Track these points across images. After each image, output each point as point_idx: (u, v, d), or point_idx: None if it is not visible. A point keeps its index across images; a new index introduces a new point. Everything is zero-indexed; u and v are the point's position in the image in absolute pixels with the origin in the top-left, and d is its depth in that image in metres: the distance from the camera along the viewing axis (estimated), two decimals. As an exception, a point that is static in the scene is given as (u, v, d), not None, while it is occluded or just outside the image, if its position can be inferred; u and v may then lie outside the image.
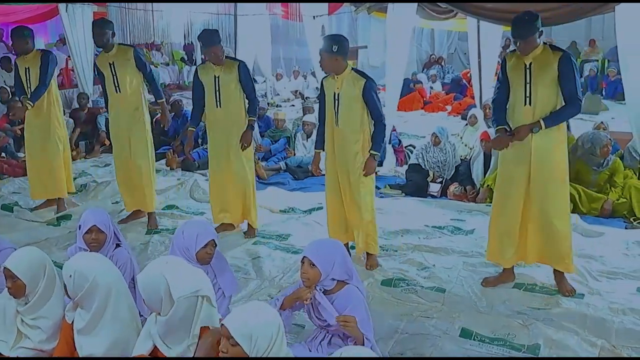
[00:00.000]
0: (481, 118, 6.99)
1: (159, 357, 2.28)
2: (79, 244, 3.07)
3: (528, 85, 3.45)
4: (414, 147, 7.26)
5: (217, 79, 4.53)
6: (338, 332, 2.72)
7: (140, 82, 4.88)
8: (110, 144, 5.70)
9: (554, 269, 3.71)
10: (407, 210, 5.47)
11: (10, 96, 8.37)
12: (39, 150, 5.34)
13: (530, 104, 3.46)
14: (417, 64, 16.65)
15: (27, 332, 2.60)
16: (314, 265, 2.61)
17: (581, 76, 13.48)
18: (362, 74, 3.92)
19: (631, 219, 5.03)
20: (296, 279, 3.26)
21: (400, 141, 7.53)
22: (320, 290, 2.65)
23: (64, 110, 8.18)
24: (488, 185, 5.49)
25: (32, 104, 5.05)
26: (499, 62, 7.20)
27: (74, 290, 2.41)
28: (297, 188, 6.38)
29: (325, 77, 4.04)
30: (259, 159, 6.93)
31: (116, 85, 4.81)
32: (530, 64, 3.45)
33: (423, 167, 6.19)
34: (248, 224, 4.86)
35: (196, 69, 4.79)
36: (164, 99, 5.08)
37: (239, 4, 9.58)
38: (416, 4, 6.44)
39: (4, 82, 9.56)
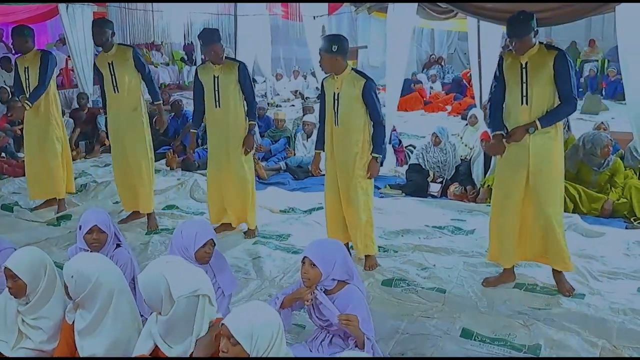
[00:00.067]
0: (481, 118, 6.99)
1: (160, 356, 2.28)
2: (80, 245, 3.07)
3: (524, 85, 3.46)
4: (414, 147, 7.26)
5: (216, 79, 4.53)
6: (339, 332, 2.72)
7: (139, 82, 4.87)
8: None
9: (553, 269, 3.71)
10: (408, 210, 5.47)
11: (10, 96, 8.37)
12: (37, 151, 5.34)
13: (527, 103, 3.47)
14: (417, 64, 16.66)
15: (28, 332, 2.60)
16: (314, 265, 2.61)
17: (581, 76, 13.50)
18: (362, 74, 3.92)
19: (631, 219, 5.02)
20: (297, 279, 3.25)
21: (400, 141, 7.54)
22: (322, 290, 2.65)
23: (64, 111, 8.22)
24: (488, 185, 5.49)
25: (30, 105, 5.04)
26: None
27: (75, 291, 2.41)
28: (297, 188, 6.38)
29: (326, 77, 4.04)
30: (259, 159, 6.93)
31: (114, 85, 4.80)
32: (526, 63, 3.46)
33: (423, 167, 6.19)
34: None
35: (196, 69, 4.79)
36: (160, 101, 5.05)
37: (239, 4, 9.58)
38: (416, 4, 6.43)
39: (4, 82, 9.56)
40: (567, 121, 5.73)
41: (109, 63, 4.78)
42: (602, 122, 6.30)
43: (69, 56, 9.75)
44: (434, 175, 6.09)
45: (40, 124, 5.27)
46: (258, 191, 5.61)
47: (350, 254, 3.82)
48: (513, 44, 3.44)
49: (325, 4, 9.80)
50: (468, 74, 11.96)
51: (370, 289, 3.78)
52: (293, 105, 12.27)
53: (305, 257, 2.65)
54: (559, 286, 3.69)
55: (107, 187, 6.10)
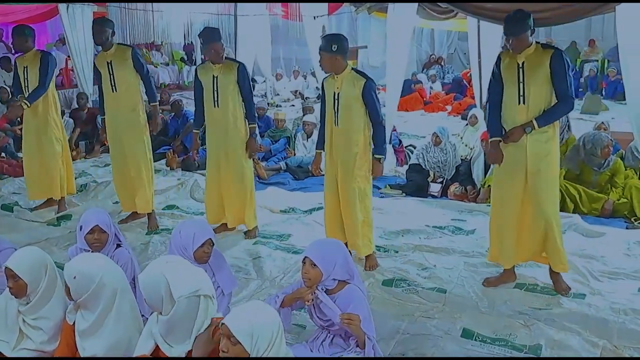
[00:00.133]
0: (481, 118, 6.99)
1: (161, 356, 2.28)
2: (80, 245, 3.06)
3: (521, 84, 3.46)
4: (414, 147, 7.26)
5: (215, 79, 4.52)
6: (340, 332, 2.71)
7: (137, 82, 4.86)
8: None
9: (550, 268, 3.71)
10: (408, 210, 5.47)
11: (10, 96, 8.37)
12: (35, 151, 5.33)
13: (524, 102, 3.47)
14: (417, 64, 16.67)
15: (28, 332, 2.60)
16: (315, 265, 2.61)
17: (581, 76, 13.50)
18: (362, 74, 3.92)
19: (632, 219, 5.02)
20: (297, 279, 3.25)
21: (400, 141, 7.54)
22: (323, 290, 2.65)
23: (63, 111, 8.22)
24: (489, 185, 5.48)
25: (28, 104, 5.04)
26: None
27: (78, 292, 2.40)
28: (297, 188, 6.37)
29: (326, 77, 4.03)
30: (259, 159, 6.93)
31: (113, 84, 4.80)
32: (523, 63, 3.46)
33: (423, 167, 6.19)
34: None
35: (196, 69, 4.78)
36: (157, 103, 5.02)
37: (239, 4, 9.57)
38: (416, 4, 6.43)
39: (4, 82, 9.56)
40: (568, 121, 5.73)
41: (107, 62, 4.78)
42: (602, 122, 6.29)
43: (69, 56, 9.75)
44: (434, 175, 6.09)
45: (39, 124, 5.27)
46: (258, 191, 5.60)
47: (351, 254, 3.83)
48: (510, 42, 3.45)
49: (325, 4, 9.80)
50: (468, 74, 11.95)
51: (371, 289, 3.77)
52: (293, 105, 12.27)
53: (305, 257, 2.65)
54: (556, 285, 3.70)
55: (107, 187, 6.09)
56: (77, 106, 8.77)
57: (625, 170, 5.39)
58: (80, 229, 3.05)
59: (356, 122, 3.90)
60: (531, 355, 3.05)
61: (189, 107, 8.30)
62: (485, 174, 5.78)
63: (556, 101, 3.47)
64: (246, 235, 4.82)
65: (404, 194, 6.01)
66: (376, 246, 4.31)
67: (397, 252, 4.44)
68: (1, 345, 2.60)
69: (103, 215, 3.11)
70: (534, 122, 3.44)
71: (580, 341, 3.12)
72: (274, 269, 4.17)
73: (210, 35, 4.50)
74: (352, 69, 3.94)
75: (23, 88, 5.16)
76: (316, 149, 4.27)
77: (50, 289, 2.62)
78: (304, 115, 8.00)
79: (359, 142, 3.92)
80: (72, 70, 10.02)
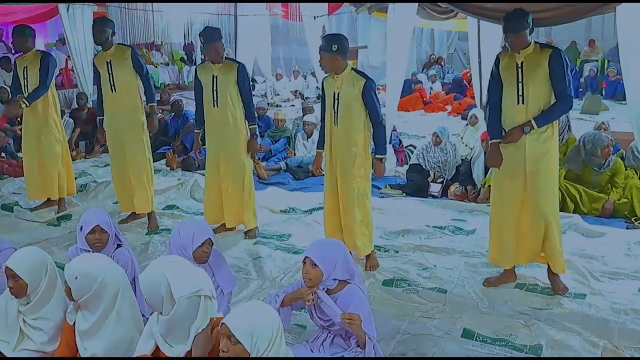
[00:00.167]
0: (482, 118, 6.99)
1: (161, 357, 2.28)
2: (80, 245, 3.06)
3: (520, 84, 3.46)
4: (415, 147, 7.26)
5: (215, 78, 4.52)
6: (340, 332, 2.71)
7: (137, 83, 4.85)
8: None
9: (548, 268, 3.71)
10: (408, 210, 5.46)
11: (10, 96, 8.36)
12: (34, 151, 5.33)
13: (523, 102, 3.47)
14: (417, 64, 16.66)
15: (29, 332, 2.60)
16: (315, 265, 2.61)
17: (581, 76, 13.49)
18: (362, 74, 3.92)
19: (632, 219, 5.02)
20: (297, 279, 3.25)
21: (400, 141, 7.53)
22: (324, 289, 2.65)
23: (64, 111, 8.22)
24: (489, 186, 5.48)
25: (27, 104, 5.04)
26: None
27: (79, 292, 2.40)
28: (297, 188, 6.37)
29: (326, 76, 4.03)
30: (259, 159, 6.92)
31: (112, 84, 4.79)
32: (522, 62, 3.46)
33: (424, 167, 6.18)
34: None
35: (196, 69, 4.78)
36: (155, 104, 4.99)
37: (239, 4, 9.57)
38: (417, 4, 6.43)
39: (4, 82, 9.56)
40: (568, 121, 5.73)
41: (107, 62, 4.77)
42: (602, 122, 6.29)
43: (69, 56, 9.75)
44: (434, 175, 6.09)
45: (39, 124, 5.26)
46: (258, 191, 5.59)
47: (351, 254, 3.83)
48: (509, 40, 3.45)
49: (325, 4, 9.80)
50: (468, 74, 11.95)
51: (371, 289, 3.77)
52: (293, 105, 12.27)
53: (306, 257, 2.65)
54: (553, 286, 3.70)
55: (107, 187, 6.09)
56: (77, 106, 8.77)
57: (626, 170, 5.39)
58: (81, 229, 3.04)
59: (356, 122, 3.90)
60: (532, 356, 3.05)
61: (189, 107, 8.30)
62: (486, 174, 5.77)
63: (555, 100, 3.47)
64: (246, 235, 4.81)
65: (404, 194, 6.01)
66: (376, 246, 4.31)
67: (397, 252, 4.44)
68: (2, 346, 2.60)
69: (103, 215, 3.11)
70: (533, 122, 3.44)
71: (581, 341, 3.11)
72: (274, 269, 4.17)
73: (211, 34, 4.50)
74: (352, 69, 3.93)
75: (22, 88, 5.16)
76: (317, 148, 4.26)
77: (51, 289, 2.62)
78: (303, 115, 8.00)
79: (358, 142, 3.92)
80: (72, 70, 10.02)
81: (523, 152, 3.51)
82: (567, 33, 13.71)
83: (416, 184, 6.06)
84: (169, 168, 7.20)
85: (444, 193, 5.97)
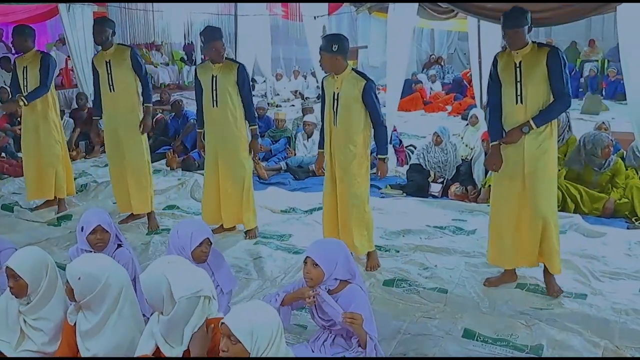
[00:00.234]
0: (482, 118, 6.98)
1: (163, 357, 2.27)
2: (81, 246, 3.05)
3: (518, 84, 3.47)
4: (415, 147, 7.26)
5: (214, 78, 4.51)
6: (341, 332, 2.71)
7: (135, 83, 4.84)
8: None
9: (544, 269, 3.69)
10: (409, 210, 5.46)
11: (10, 96, 8.34)
12: (33, 152, 5.33)
13: (522, 102, 3.47)
14: (417, 64, 16.67)
15: (29, 333, 2.59)
16: (317, 265, 2.61)
17: (581, 76, 13.49)
18: (362, 74, 3.91)
19: (633, 219, 5.02)
20: (298, 279, 3.25)
21: (401, 141, 7.53)
22: (325, 289, 2.64)
23: (63, 111, 8.21)
24: (489, 186, 5.47)
25: (26, 102, 5.04)
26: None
27: (82, 293, 2.39)
28: (297, 188, 6.37)
29: (325, 76, 4.03)
30: (259, 159, 6.92)
31: (111, 84, 4.79)
32: (520, 62, 3.46)
33: (424, 167, 6.18)
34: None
35: (195, 68, 4.78)
36: (151, 105, 4.96)
37: (239, 4, 9.57)
38: (417, 4, 6.43)
39: (4, 82, 9.55)
40: (568, 121, 5.73)
41: (106, 62, 4.77)
42: (602, 122, 6.28)
43: (69, 56, 9.75)
44: (434, 175, 6.09)
45: (38, 125, 5.26)
46: (259, 191, 5.60)
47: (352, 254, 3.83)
48: (507, 37, 3.45)
49: (326, 4, 9.79)
50: (468, 74, 11.95)
51: (372, 289, 3.77)
52: (293, 106, 12.27)
53: (307, 257, 2.65)
54: (548, 287, 3.68)
55: (107, 187, 6.08)
56: (77, 106, 8.77)
57: (626, 170, 5.38)
58: (82, 230, 3.03)
59: (355, 123, 3.90)
60: (532, 356, 3.04)
61: (189, 107, 8.30)
62: (486, 174, 5.77)
63: (553, 99, 3.47)
64: (247, 235, 4.81)
65: (404, 194, 6.01)
66: (377, 246, 4.31)
67: (398, 252, 4.44)
68: (2, 346, 2.60)
69: (104, 215, 3.11)
70: (532, 122, 3.44)
71: (582, 341, 3.11)
72: (275, 269, 4.17)
73: (211, 33, 4.50)
74: (352, 69, 3.93)
75: (22, 88, 5.15)
76: (319, 148, 4.26)
77: (51, 289, 2.62)
78: (303, 116, 8.00)
79: (357, 142, 3.92)
80: (72, 70, 10.02)
81: (522, 152, 3.51)
82: (567, 33, 13.72)
83: (416, 184, 6.06)
84: (169, 168, 7.20)
85: (445, 193, 5.97)
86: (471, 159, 6.12)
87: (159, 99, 10.40)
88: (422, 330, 3.28)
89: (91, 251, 2.97)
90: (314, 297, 2.61)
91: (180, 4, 9.80)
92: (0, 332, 2.63)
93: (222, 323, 2.03)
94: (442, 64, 16.04)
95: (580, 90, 12.78)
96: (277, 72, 14.09)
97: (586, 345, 3.08)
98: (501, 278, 3.84)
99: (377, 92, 3.98)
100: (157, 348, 2.30)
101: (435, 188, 5.99)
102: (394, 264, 4.19)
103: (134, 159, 4.92)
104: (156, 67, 13.67)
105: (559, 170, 5.20)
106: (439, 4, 6.10)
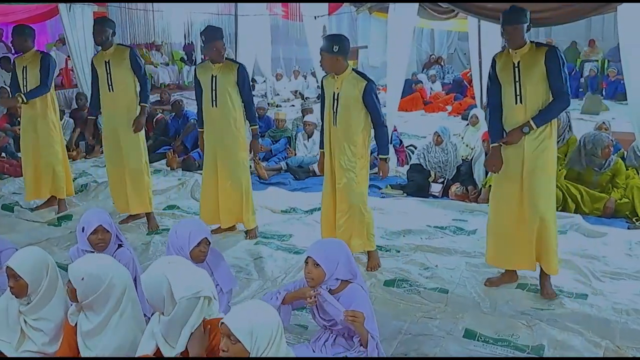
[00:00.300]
0: (482, 118, 6.98)
1: (163, 357, 2.27)
2: (82, 246, 3.04)
3: (517, 84, 3.46)
4: (415, 147, 7.26)
5: (214, 78, 4.51)
6: (342, 332, 2.71)
7: (135, 83, 4.84)
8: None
9: (541, 271, 3.68)
10: (409, 210, 5.46)
11: (10, 96, 8.35)
12: (31, 152, 5.32)
13: (521, 102, 3.47)
14: (417, 64, 16.67)
15: (30, 333, 2.59)
16: (318, 265, 2.60)
17: (581, 76, 13.49)
18: (362, 75, 3.91)
19: (633, 219, 5.02)
20: (299, 278, 3.25)
21: (401, 141, 7.53)
22: (326, 289, 2.64)
23: (64, 110, 8.20)
24: (490, 186, 5.46)
25: (25, 100, 5.03)
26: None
27: (85, 293, 2.38)
28: (298, 188, 6.36)
29: (325, 76, 4.03)
30: (260, 159, 6.92)
31: (110, 84, 4.79)
32: (519, 62, 3.46)
33: (424, 167, 6.18)
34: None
35: (195, 68, 4.77)
36: (146, 105, 4.94)
37: (239, 4, 9.57)
38: (417, 4, 6.43)
39: (4, 82, 9.55)
40: (569, 121, 5.72)
41: (105, 62, 4.77)
42: (603, 122, 6.28)
43: (69, 56, 9.75)
44: (435, 175, 6.09)
45: (36, 125, 5.25)
46: (259, 191, 5.59)
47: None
48: (506, 35, 3.45)
49: (326, 4, 9.80)
50: (468, 74, 11.94)
51: (373, 289, 3.77)
52: (293, 106, 12.28)
53: (308, 257, 2.64)
54: (543, 289, 3.66)
55: (108, 187, 6.07)
56: (77, 106, 8.77)
57: (627, 170, 5.38)
58: (82, 230, 3.03)
59: (355, 123, 3.89)
60: (534, 356, 3.04)
61: (190, 107, 8.30)
62: (487, 174, 5.77)
63: (552, 99, 3.47)
64: (247, 235, 4.81)
65: (405, 194, 6.00)
66: (377, 246, 4.30)
67: (398, 252, 4.44)
68: (3, 346, 2.60)
69: (104, 215, 3.10)
70: (532, 122, 3.43)
71: (583, 341, 3.11)
72: (276, 269, 4.16)
73: (212, 33, 4.49)
74: (353, 69, 3.93)
75: (22, 88, 5.15)
76: (320, 148, 4.25)
77: (51, 289, 2.61)
78: (303, 117, 8.00)
79: (357, 143, 3.92)
80: (72, 70, 10.02)
81: (522, 152, 3.51)
82: (567, 33, 13.72)
83: (417, 184, 6.05)
84: (169, 168, 7.19)
85: (445, 193, 5.97)
86: (472, 159, 6.11)
87: (159, 99, 10.41)
88: (423, 330, 3.28)
89: (92, 251, 2.96)
90: (315, 297, 2.61)
91: (180, 4, 9.81)
92: (0, 332, 2.62)
93: (222, 323, 2.03)
94: (442, 64, 16.04)
95: (581, 90, 12.78)
96: (277, 72, 14.09)
97: (587, 345, 3.08)
98: (502, 278, 3.84)
99: (377, 92, 3.98)
100: (158, 348, 2.29)
101: (436, 188, 5.99)
102: (395, 264, 4.19)
103: (132, 159, 4.91)
104: (156, 67, 13.67)
105: (560, 170, 5.20)
106: (440, 3, 6.11)
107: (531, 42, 3.49)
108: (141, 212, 5.08)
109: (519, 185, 3.55)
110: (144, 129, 4.97)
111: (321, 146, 4.21)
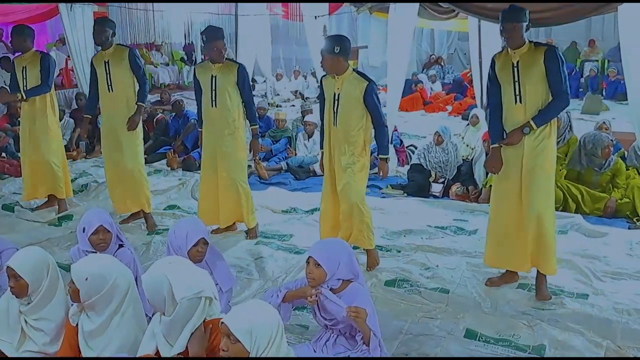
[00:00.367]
0: (482, 118, 6.98)
1: (164, 357, 2.27)
2: (82, 246, 3.04)
3: (517, 84, 3.46)
4: (415, 147, 7.25)
5: (214, 78, 4.50)
6: (344, 331, 2.70)
7: (134, 83, 4.84)
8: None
9: (537, 273, 3.66)
10: (410, 210, 5.46)
11: (10, 95, 8.34)
12: (30, 152, 5.32)
13: (521, 102, 3.47)
14: (417, 64, 16.66)
15: (30, 333, 2.59)
16: (319, 265, 2.60)
17: (581, 76, 13.49)
18: (363, 75, 3.91)
19: (634, 219, 5.01)
20: (300, 277, 3.25)
21: (401, 141, 7.53)
22: (327, 288, 2.63)
23: (64, 110, 8.20)
24: (490, 186, 5.47)
25: (25, 97, 5.03)
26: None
27: (88, 294, 2.38)
28: (298, 188, 6.36)
29: (325, 75, 4.02)
30: (260, 159, 6.92)
31: (109, 84, 4.79)
32: (518, 62, 3.46)
33: (425, 167, 6.18)
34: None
35: (194, 68, 4.77)
36: (143, 105, 4.94)
37: (239, 4, 9.57)
38: (418, 4, 6.42)
39: (4, 82, 9.54)
40: (569, 121, 5.72)
41: (105, 62, 4.78)
42: (603, 122, 6.28)
43: (69, 56, 9.74)
44: (435, 175, 6.09)
45: (36, 125, 5.24)
46: (259, 191, 5.59)
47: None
48: (506, 34, 3.45)
49: (326, 4, 9.80)
50: (468, 74, 11.94)
51: (373, 289, 3.76)
52: (293, 106, 12.27)
53: (309, 257, 2.64)
54: (538, 291, 3.64)
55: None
56: (77, 106, 8.77)
57: (627, 170, 5.38)
58: (83, 231, 3.02)
59: (355, 123, 3.89)
60: (535, 356, 3.04)
61: (190, 107, 8.29)
62: (487, 174, 5.77)
63: (552, 98, 3.47)
64: (247, 235, 4.80)
65: (405, 194, 6.00)
66: (378, 246, 4.31)
67: (399, 252, 4.44)
68: (4, 346, 2.59)
69: (104, 215, 3.10)
70: (532, 122, 3.43)
71: (584, 341, 3.11)
72: (276, 269, 4.16)
73: (213, 33, 4.49)
74: (353, 69, 3.93)
75: (21, 88, 5.14)
76: (320, 148, 4.25)
77: (52, 289, 2.61)
78: (303, 117, 7.99)
79: (357, 143, 3.92)
80: (72, 70, 10.01)
81: (521, 152, 3.51)
82: (567, 33, 13.71)
83: (417, 184, 6.05)
84: (169, 168, 7.19)
85: (446, 193, 5.97)
86: (472, 159, 6.11)
87: (159, 99, 10.41)
88: (423, 330, 3.28)
89: (93, 252, 2.96)
90: (316, 296, 2.60)
91: (180, 4, 9.80)
92: (1, 333, 2.62)
93: (222, 322, 2.03)
94: (442, 64, 16.03)
95: (581, 90, 12.78)
96: (278, 72, 14.09)
97: (588, 345, 3.08)
98: (503, 278, 3.83)
99: (378, 93, 3.98)
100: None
101: (436, 188, 5.99)
102: (396, 264, 4.19)
103: (129, 159, 4.91)
104: (156, 67, 13.67)
105: (560, 170, 5.20)
106: (440, 3, 6.10)
107: (530, 41, 3.49)
108: (139, 210, 5.07)
109: (519, 184, 3.55)
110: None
111: (321, 146, 4.21)
